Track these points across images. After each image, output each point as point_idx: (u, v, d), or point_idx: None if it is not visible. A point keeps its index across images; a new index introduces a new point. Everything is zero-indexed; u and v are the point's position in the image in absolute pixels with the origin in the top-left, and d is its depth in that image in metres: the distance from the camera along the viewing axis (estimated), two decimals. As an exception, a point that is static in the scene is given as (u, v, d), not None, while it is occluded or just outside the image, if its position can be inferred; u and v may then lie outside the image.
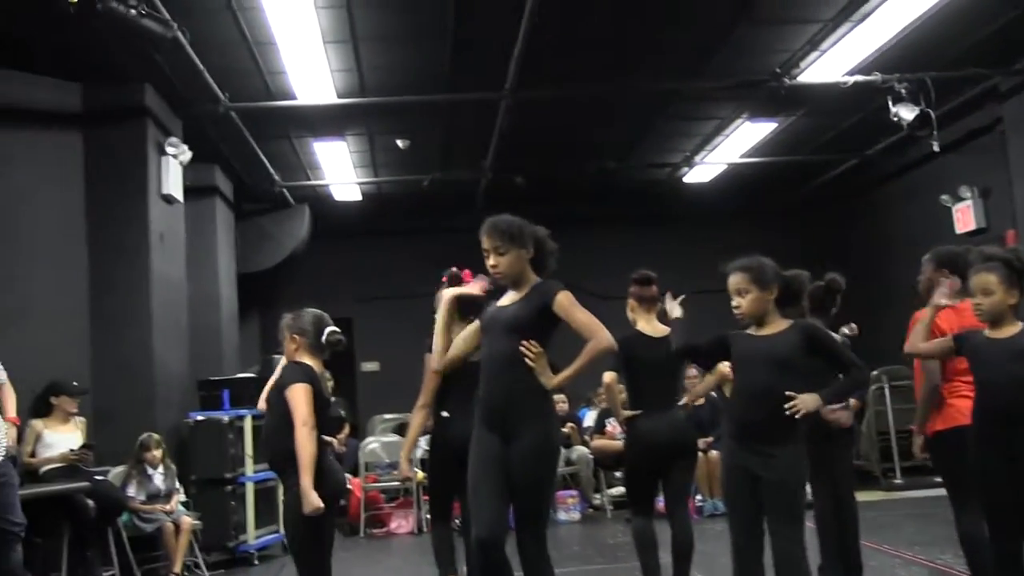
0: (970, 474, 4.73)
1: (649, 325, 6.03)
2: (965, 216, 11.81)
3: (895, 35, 8.65)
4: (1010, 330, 4.58)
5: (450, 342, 4.95)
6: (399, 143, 11.11)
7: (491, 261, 4.41)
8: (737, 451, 4.35)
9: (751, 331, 4.45)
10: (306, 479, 4.38)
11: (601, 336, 4.32)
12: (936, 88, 9.45)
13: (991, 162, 11.14)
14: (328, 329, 4.82)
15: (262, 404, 4.88)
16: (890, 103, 9.46)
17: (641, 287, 6.08)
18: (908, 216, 13.24)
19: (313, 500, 4.35)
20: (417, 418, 5.74)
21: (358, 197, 13.62)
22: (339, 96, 9.43)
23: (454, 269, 6.04)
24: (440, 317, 4.93)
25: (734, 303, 4.41)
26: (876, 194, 14.15)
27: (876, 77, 9.35)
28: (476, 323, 4.82)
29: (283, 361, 4.83)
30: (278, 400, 4.59)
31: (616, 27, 8.53)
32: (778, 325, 4.42)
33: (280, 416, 4.58)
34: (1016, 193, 10.65)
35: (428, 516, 10.18)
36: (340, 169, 12.19)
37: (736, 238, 14.40)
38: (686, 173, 13.37)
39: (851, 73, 9.39)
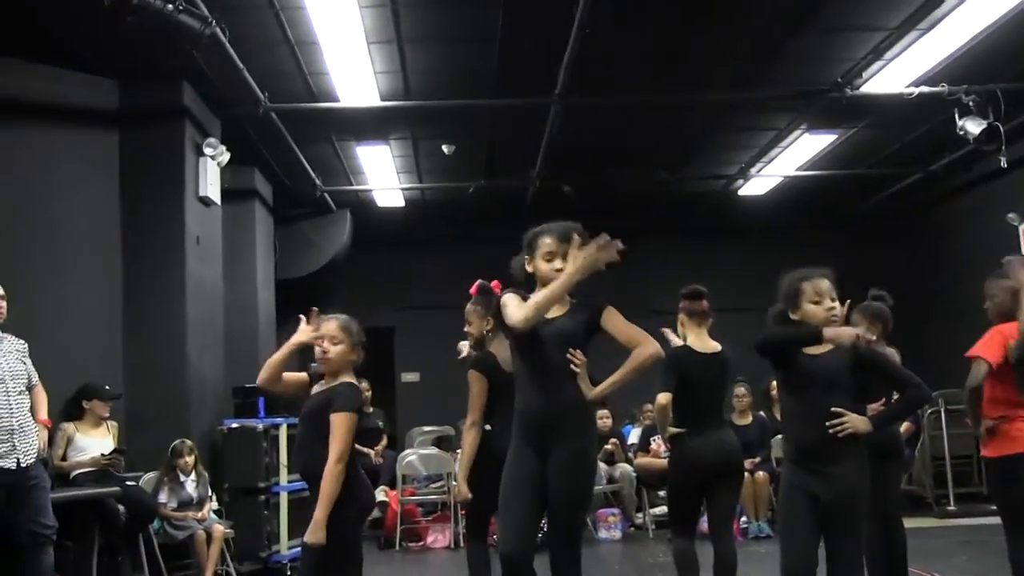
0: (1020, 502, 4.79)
1: (699, 340, 5.95)
2: (1031, 235, 11.60)
3: (964, 44, 8.47)
4: None
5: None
6: (444, 148, 11.07)
7: (557, 264, 4.35)
8: (796, 472, 4.29)
9: (808, 349, 4.36)
10: (320, 513, 4.32)
11: (648, 344, 4.33)
12: (1005, 100, 9.26)
13: (1063, 179, 10.97)
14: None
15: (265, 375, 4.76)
16: (956, 116, 9.30)
17: (692, 302, 6.00)
18: (972, 234, 13.02)
19: (320, 536, 4.30)
20: (470, 436, 5.66)
21: (401, 203, 13.59)
22: (383, 99, 9.38)
23: (481, 281, 6.05)
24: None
25: (828, 305, 4.34)
26: (938, 211, 13.94)
27: (943, 88, 9.17)
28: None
29: (323, 363, 4.70)
30: (320, 417, 4.50)
31: (671, 34, 8.45)
32: (829, 344, 4.34)
33: (319, 432, 4.49)
34: (1086, 212, 10.44)
35: (464, 531, 10.26)
36: (383, 174, 12.16)
37: (791, 254, 14.19)
38: (741, 186, 13.24)
39: (916, 84, 9.23)
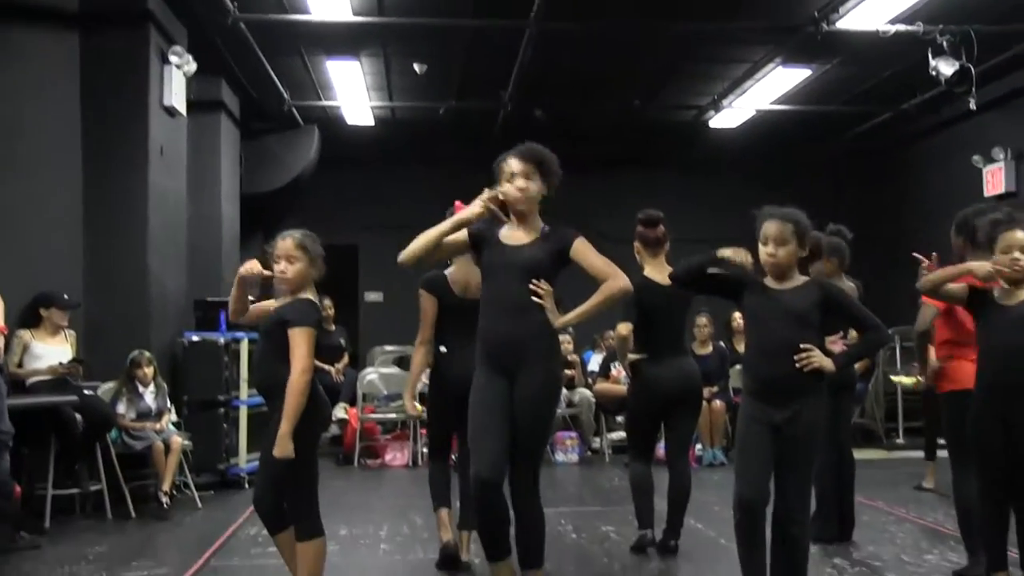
0: (967, 435, 4.79)
1: (657, 271, 5.94)
2: (995, 178, 11.75)
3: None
4: (1021, 295, 4.62)
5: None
6: (416, 67, 10.86)
7: (519, 184, 4.33)
8: (756, 404, 4.27)
9: (768, 283, 4.34)
10: (287, 426, 4.27)
11: (617, 278, 4.32)
12: (979, 43, 9.21)
13: (1028, 125, 10.98)
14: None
15: (231, 312, 4.76)
16: (930, 56, 9.24)
17: (647, 228, 6.00)
18: (938, 176, 13.13)
19: (288, 449, 4.27)
20: (418, 355, 5.77)
21: (370, 121, 13.36)
22: (355, 13, 9.13)
23: (459, 202, 5.92)
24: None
25: (768, 249, 4.27)
26: (907, 151, 14.02)
27: (918, 27, 9.09)
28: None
29: (282, 282, 4.62)
30: (279, 332, 4.41)
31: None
32: (795, 281, 4.34)
33: (278, 347, 4.42)
34: (1051, 159, 10.48)
35: (425, 450, 10.30)
36: (353, 91, 11.93)
37: (760, 188, 14.23)
38: (712, 117, 13.11)
39: (892, 22, 9.13)
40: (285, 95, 11.64)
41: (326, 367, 11.38)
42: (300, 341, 4.34)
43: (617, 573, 5.68)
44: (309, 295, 4.51)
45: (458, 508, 5.79)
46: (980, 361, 4.73)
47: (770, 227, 4.29)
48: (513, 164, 4.36)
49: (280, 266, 4.50)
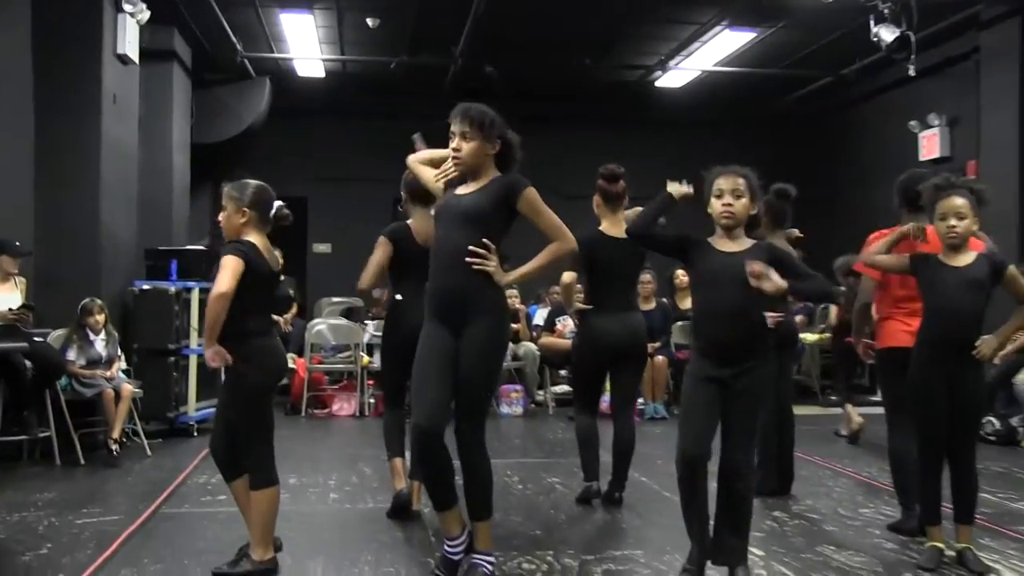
0: (908, 392, 4.88)
1: (613, 226, 6.00)
2: (931, 143, 11.94)
3: (886, -49, 8.47)
4: (965, 259, 4.70)
5: None
6: (369, 21, 10.78)
7: (455, 144, 4.35)
8: (706, 364, 4.30)
9: (713, 243, 4.37)
10: (210, 338, 4.35)
11: (565, 240, 4.36)
12: (919, 11, 9.34)
13: (963, 91, 11.18)
14: (277, 204, 4.69)
15: None
16: (872, 22, 9.34)
17: (608, 183, 6.04)
18: (875, 140, 13.32)
19: (211, 355, 4.37)
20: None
21: (321, 74, 13.23)
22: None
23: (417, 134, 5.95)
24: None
25: (725, 201, 4.28)
26: (847, 114, 14.17)
27: (861, -8, 9.20)
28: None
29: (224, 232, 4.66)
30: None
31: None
32: (743, 243, 4.35)
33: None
34: (983, 124, 10.69)
35: (372, 400, 10.37)
36: (305, 43, 11.82)
37: (704, 146, 14.27)
38: (659, 77, 13.15)
39: (839, -14, 9.22)
40: (238, 46, 11.48)
41: (275, 317, 11.39)
42: (224, 264, 4.36)
43: (563, 524, 5.73)
44: (248, 237, 4.53)
45: (411, 457, 5.78)
46: (926, 319, 4.82)
47: (724, 181, 4.31)
48: (454, 124, 4.37)
49: (220, 216, 4.63)
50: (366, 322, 11.34)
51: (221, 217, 4.64)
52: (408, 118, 13.89)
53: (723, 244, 4.34)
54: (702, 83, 13.41)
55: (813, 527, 5.63)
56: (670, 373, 10.96)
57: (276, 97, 12.84)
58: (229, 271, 4.35)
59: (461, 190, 4.43)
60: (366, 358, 10.72)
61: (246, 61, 12.05)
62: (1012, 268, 4.75)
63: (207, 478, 6.89)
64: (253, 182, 4.67)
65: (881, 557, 4.97)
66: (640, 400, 10.66)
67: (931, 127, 11.85)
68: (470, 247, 4.24)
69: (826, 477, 7.18)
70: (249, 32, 11.31)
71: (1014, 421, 8.66)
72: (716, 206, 4.31)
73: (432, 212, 4.59)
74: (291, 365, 10.59)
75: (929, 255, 4.86)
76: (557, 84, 13.31)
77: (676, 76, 13.16)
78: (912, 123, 12.09)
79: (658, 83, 13.47)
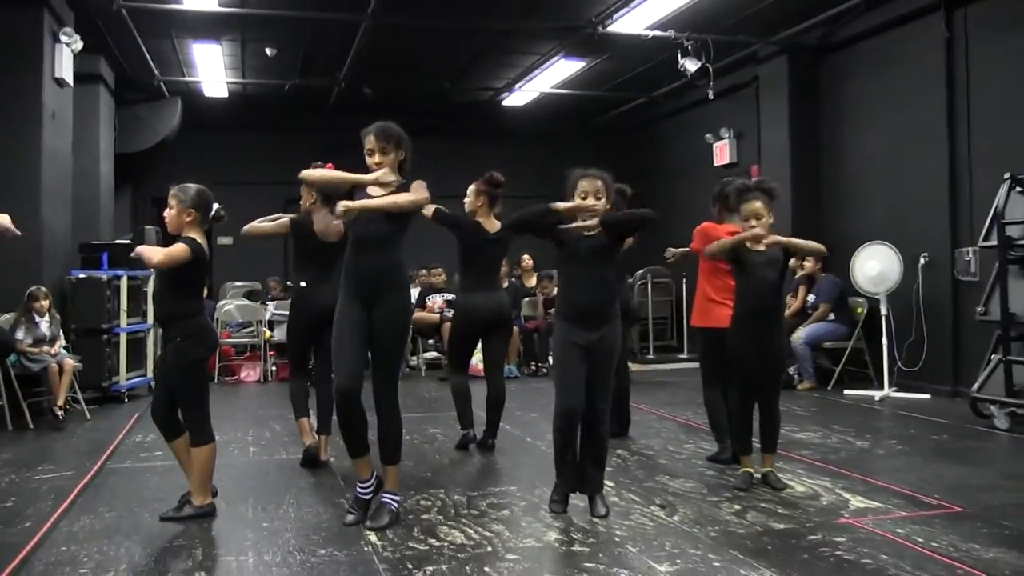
0: (728, 351, 5.15)
1: (488, 222, 6.16)
2: (722, 152, 12.33)
3: (689, 1, 8.76)
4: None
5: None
6: (268, 51, 10.56)
7: (376, 159, 4.35)
8: (571, 328, 4.45)
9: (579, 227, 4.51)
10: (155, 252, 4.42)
11: (418, 194, 4.31)
12: (715, 47, 9.75)
13: (746, 111, 11.61)
14: (215, 206, 4.66)
15: None
16: (679, 56, 9.68)
17: (493, 187, 6.18)
18: (678, 148, 13.70)
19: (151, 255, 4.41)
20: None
21: (225, 94, 12.87)
22: (220, 4, 8.83)
23: (316, 163, 5.99)
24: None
25: (590, 202, 4.44)
26: (656, 128, 14.48)
27: (671, 33, 9.50)
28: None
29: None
30: (169, 269, 4.42)
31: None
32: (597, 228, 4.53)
33: (170, 283, 4.46)
34: (763, 137, 11.16)
35: (274, 368, 10.30)
36: (212, 69, 11.49)
37: (540, 155, 14.77)
38: (506, 97, 13.26)
39: (652, 28, 9.49)
40: (155, 71, 11.14)
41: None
42: (174, 247, 4.36)
43: (448, 467, 5.80)
44: (191, 235, 4.49)
45: (315, 417, 5.89)
46: (739, 294, 5.09)
47: (586, 184, 4.47)
48: (370, 141, 4.38)
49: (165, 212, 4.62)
50: (267, 302, 11.25)
51: (167, 214, 4.59)
52: (298, 130, 13.89)
53: (588, 231, 4.49)
54: (540, 102, 13.55)
55: (649, 461, 5.84)
56: (520, 340, 11.18)
57: (186, 114, 12.47)
58: (177, 251, 4.36)
59: (372, 190, 4.39)
60: (268, 332, 10.61)
61: (162, 84, 11.69)
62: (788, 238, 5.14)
63: (142, 437, 6.79)
64: (195, 186, 4.63)
65: (705, 482, 5.24)
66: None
67: (722, 139, 12.25)
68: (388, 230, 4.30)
69: (654, 421, 7.42)
70: (165, 59, 10.97)
71: (791, 370, 9.15)
72: (581, 205, 4.47)
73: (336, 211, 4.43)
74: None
75: (742, 243, 5.18)
76: (421, 102, 13.24)
77: (520, 96, 13.26)
78: (707, 136, 12.50)
79: (505, 102, 13.55)
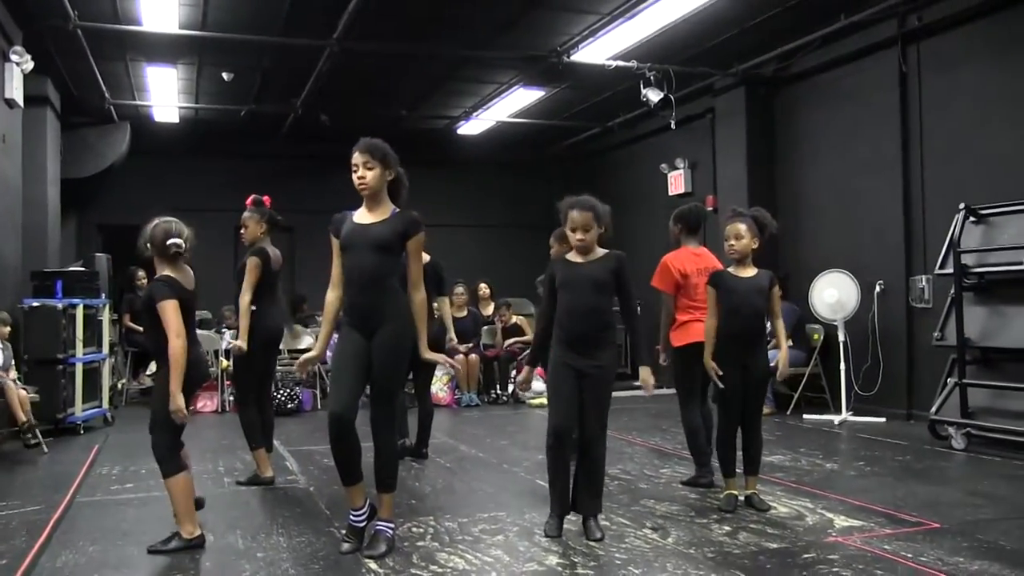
0: (713, 378, 5.22)
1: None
2: (677, 181, 12.56)
3: (653, 32, 8.98)
4: (750, 272, 5.17)
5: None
6: (224, 76, 10.53)
7: (359, 174, 4.30)
8: (567, 353, 4.56)
9: (572, 258, 4.67)
10: (175, 384, 4.32)
11: (416, 292, 4.35)
12: (676, 78, 10.00)
13: (701, 141, 11.88)
14: (169, 241, 4.56)
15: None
16: (642, 86, 9.90)
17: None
18: (633, 177, 13.89)
19: (179, 403, 4.34)
20: (245, 305, 5.93)
21: (176, 120, 12.80)
22: (181, 27, 8.77)
23: (255, 196, 6.25)
24: None
25: (578, 236, 4.58)
26: (611, 158, 14.66)
27: (633, 64, 9.72)
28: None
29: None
30: (149, 309, 4.44)
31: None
32: (596, 253, 4.66)
33: (153, 319, 4.43)
34: (719, 167, 11.45)
35: (231, 398, 10.15)
36: (164, 93, 11.42)
37: (493, 183, 14.91)
38: (461, 126, 13.38)
39: (614, 58, 9.69)
40: (107, 94, 11.01)
41: (142, 328, 10.98)
42: (166, 312, 4.34)
43: (429, 494, 5.80)
44: (167, 271, 4.49)
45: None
46: (724, 319, 5.17)
47: (576, 217, 4.58)
48: (355, 157, 4.32)
49: None
50: (223, 330, 11.11)
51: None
52: (249, 156, 13.82)
53: (579, 257, 4.64)
54: (496, 131, 13.71)
55: (630, 486, 5.92)
56: (481, 368, 11.23)
57: (135, 139, 12.34)
58: (172, 315, 4.34)
59: (363, 220, 4.36)
60: (225, 362, 10.48)
61: (112, 107, 11.55)
62: (776, 287, 5.27)
63: (108, 470, 6.67)
64: (161, 225, 4.57)
65: (690, 504, 5.35)
66: (456, 391, 10.98)
67: (677, 169, 12.47)
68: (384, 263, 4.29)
69: (624, 447, 7.49)
70: (117, 82, 10.87)
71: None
72: (571, 237, 4.60)
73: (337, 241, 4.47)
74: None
75: (723, 271, 5.33)
76: (377, 130, 13.09)
77: (475, 125, 13.40)
78: (663, 165, 12.72)
79: (460, 131, 13.67)
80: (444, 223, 12.76)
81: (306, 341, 11.19)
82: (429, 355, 4.26)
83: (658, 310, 6.04)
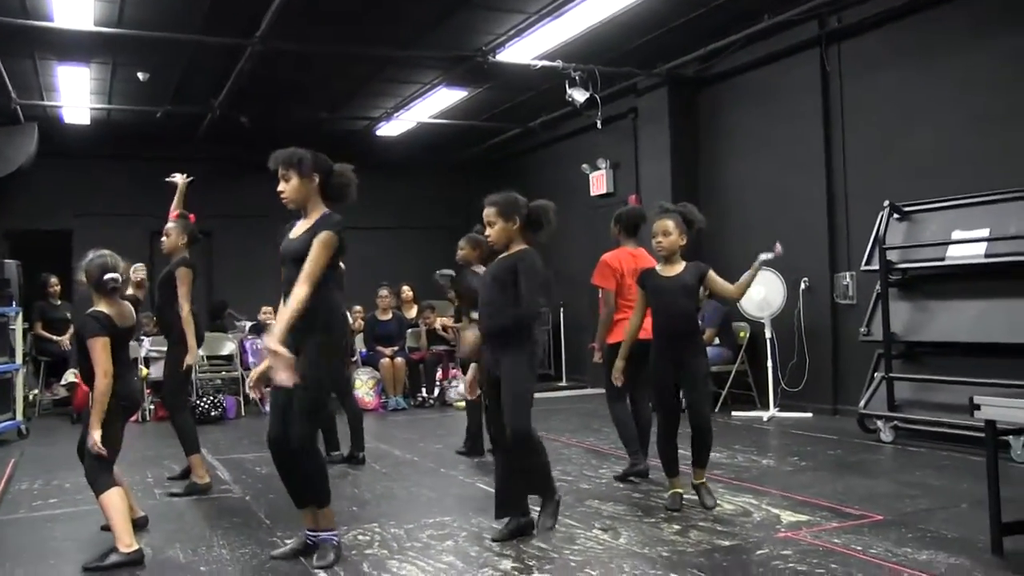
0: (649, 374, 5.29)
1: None
2: (599, 182, 12.60)
3: (579, 32, 8.96)
4: (676, 269, 5.15)
5: None
6: (140, 76, 10.15)
7: (279, 187, 4.17)
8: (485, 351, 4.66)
9: (477, 268, 4.66)
10: (95, 419, 4.29)
11: (302, 287, 3.99)
12: (601, 78, 10.00)
13: (623, 142, 11.95)
14: (106, 276, 4.42)
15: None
16: (567, 86, 9.88)
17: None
18: (555, 178, 13.88)
19: (96, 438, 4.27)
20: (193, 320, 5.93)
21: (87, 121, 12.29)
22: (96, 24, 8.38)
23: (181, 211, 6.44)
24: None
25: (487, 231, 4.63)
26: (532, 158, 14.66)
27: (559, 64, 9.69)
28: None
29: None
30: (80, 339, 4.44)
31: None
32: (511, 250, 4.62)
33: (84, 349, 4.37)
34: (641, 167, 11.53)
35: (152, 406, 9.83)
36: (75, 93, 10.96)
37: (412, 185, 14.75)
38: (381, 127, 13.17)
39: (539, 58, 9.64)
40: (13, 94, 10.48)
41: (55, 337, 10.60)
42: (94, 351, 4.28)
43: (371, 500, 5.71)
44: (100, 306, 4.41)
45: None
46: (655, 319, 5.18)
47: (485, 213, 4.62)
48: (272, 169, 4.19)
49: None
50: (142, 338, 10.71)
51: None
52: (164, 160, 13.42)
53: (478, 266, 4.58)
54: (415, 132, 13.54)
55: (572, 487, 5.84)
56: (407, 372, 11.09)
57: (44, 141, 11.79)
58: (102, 352, 4.28)
59: (294, 232, 4.24)
60: (144, 370, 10.11)
61: (18, 107, 11.00)
62: (711, 271, 5.24)
63: (28, 485, 6.36)
64: (96, 260, 4.45)
65: (636, 504, 5.32)
66: (383, 396, 10.84)
67: (599, 169, 12.51)
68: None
69: (560, 448, 7.44)
70: (24, 81, 10.36)
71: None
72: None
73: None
74: (73, 379, 9.84)
75: (651, 270, 5.32)
76: (297, 132, 12.92)
77: (395, 126, 13.21)
78: (584, 166, 12.77)
79: (379, 132, 13.46)
80: (365, 226, 12.54)
81: (228, 347, 10.87)
82: (274, 345, 3.87)
83: (592, 309, 6.06)
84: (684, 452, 5.26)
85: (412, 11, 8.60)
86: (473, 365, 5.07)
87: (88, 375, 4.37)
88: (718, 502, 5.20)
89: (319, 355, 4.08)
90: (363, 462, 6.86)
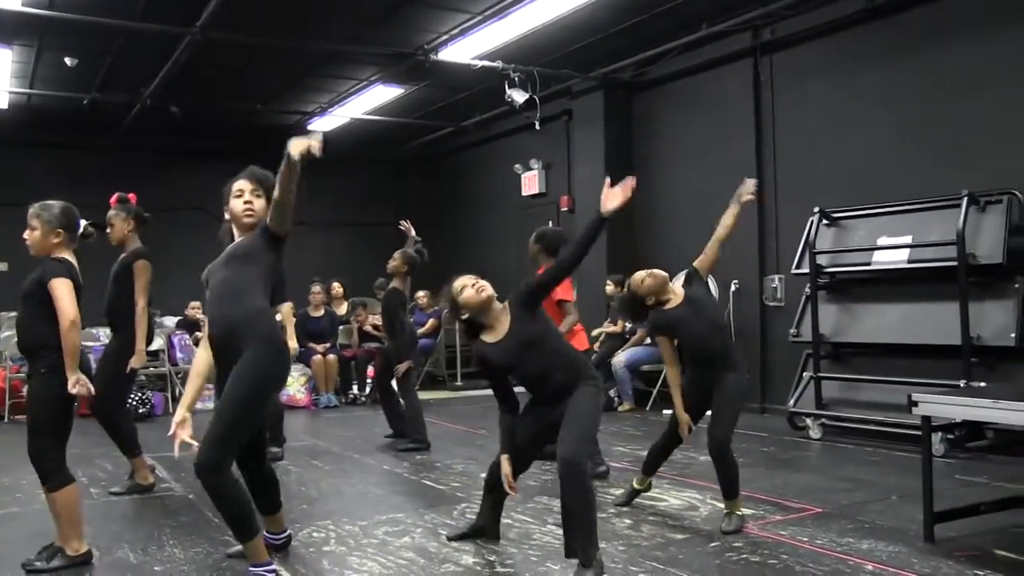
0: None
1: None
2: (531, 182, 12.69)
3: (521, 34, 8.99)
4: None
5: None
6: (67, 61, 9.80)
7: (246, 199, 4.01)
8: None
9: None
10: (71, 369, 3.99)
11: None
12: (540, 79, 10.07)
13: (556, 143, 12.06)
14: (83, 223, 4.36)
15: None
16: (507, 87, 9.90)
17: None
18: (486, 178, 13.97)
19: (77, 382, 4.01)
20: (145, 318, 5.75)
21: (4, 105, 11.77)
22: (24, 4, 7.99)
23: (120, 193, 6.08)
24: None
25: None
26: (464, 157, 14.66)
27: (499, 64, 9.71)
28: None
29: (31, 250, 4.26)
30: (39, 290, 4.08)
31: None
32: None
33: (38, 304, 4.07)
34: (574, 168, 11.66)
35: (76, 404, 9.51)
36: (-7, 76, 10.53)
37: (343, 182, 14.61)
38: (313, 122, 12.95)
39: (479, 58, 9.65)
40: (-76, 76, 10.00)
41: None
42: (61, 294, 4.00)
43: (318, 498, 5.67)
44: (60, 255, 4.19)
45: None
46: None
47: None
48: (242, 183, 4.04)
49: (25, 235, 4.24)
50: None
51: (28, 236, 4.24)
52: (87, 150, 13.01)
53: None
54: (348, 128, 13.34)
55: (520, 484, 5.51)
56: (338, 369, 11.00)
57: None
58: (68, 295, 4.02)
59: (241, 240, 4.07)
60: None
61: (-70, 91, 10.52)
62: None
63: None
64: (59, 203, 4.28)
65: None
66: (314, 393, 10.75)
67: (531, 169, 12.60)
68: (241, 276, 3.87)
69: (491, 443, 7.43)
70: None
71: (612, 392, 9.61)
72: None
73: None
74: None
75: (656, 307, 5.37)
76: (228, 124, 12.82)
77: (329, 121, 12.99)
78: (516, 166, 12.84)
79: (310, 127, 13.20)
80: (297, 221, 12.36)
81: (156, 343, 10.61)
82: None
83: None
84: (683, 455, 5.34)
85: (356, 7, 8.53)
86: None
87: (35, 338, 4.07)
88: (723, 528, 4.71)
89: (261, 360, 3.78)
90: (282, 457, 6.86)
